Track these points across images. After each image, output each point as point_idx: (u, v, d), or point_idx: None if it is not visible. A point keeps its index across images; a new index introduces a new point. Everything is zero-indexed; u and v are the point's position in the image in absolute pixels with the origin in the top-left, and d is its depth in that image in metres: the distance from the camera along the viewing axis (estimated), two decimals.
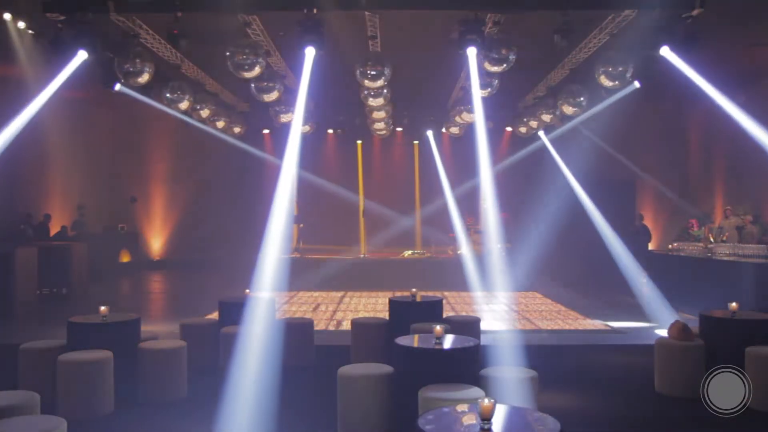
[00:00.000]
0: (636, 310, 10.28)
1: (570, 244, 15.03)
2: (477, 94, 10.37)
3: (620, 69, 9.56)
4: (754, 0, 9.24)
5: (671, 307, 9.74)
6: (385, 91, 11.21)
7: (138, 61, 9.24)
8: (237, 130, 15.13)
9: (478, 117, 10.88)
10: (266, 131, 17.11)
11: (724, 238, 11.81)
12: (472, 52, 8.60)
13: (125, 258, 16.62)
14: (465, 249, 15.64)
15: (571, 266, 14.59)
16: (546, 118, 13.72)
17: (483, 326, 7.49)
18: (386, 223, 16.42)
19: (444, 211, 16.23)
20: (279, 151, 17.27)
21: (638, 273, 11.98)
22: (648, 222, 15.86)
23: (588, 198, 15.22)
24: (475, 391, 4.21)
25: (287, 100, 12.67)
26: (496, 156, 17.22)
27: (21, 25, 9.46)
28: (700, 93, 10.08)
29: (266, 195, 17.29)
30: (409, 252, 15.91)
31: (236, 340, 6.51)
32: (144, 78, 9.40)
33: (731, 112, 10.03)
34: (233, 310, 7.08)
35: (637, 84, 10.90)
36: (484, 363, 5.09)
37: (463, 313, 9.99)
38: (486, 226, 15.91)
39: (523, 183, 16.15)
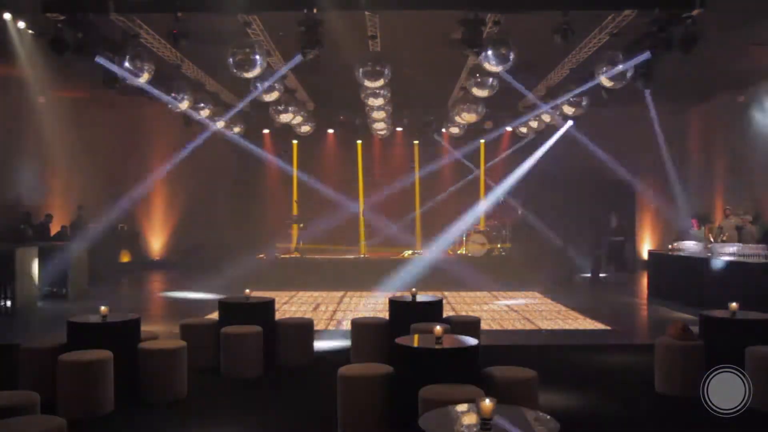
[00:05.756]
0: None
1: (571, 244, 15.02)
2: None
3: (620, 69, 9.55)
4: (754, 0, 9.23)
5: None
6: (385, 91, 11.21)
7: (138, 61, 9.24)
8: (237, 130, 15.12)
9: None
10: (266, 131, 17.10)
11: (724, 238, 11.79)
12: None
13: (125, 258, 16.60)
14: (464, 249, 15.65)
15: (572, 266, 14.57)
16: (546, 118, 13.72)
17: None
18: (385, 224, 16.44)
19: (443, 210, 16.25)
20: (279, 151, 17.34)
21: None
22: (648, 222, 15.86)
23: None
24: (475, 391, 4.20)
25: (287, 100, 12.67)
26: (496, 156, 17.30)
27: (21, 25, 9.47)
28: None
29: (266, 195, 17.37)
30: (409, 252, 15.89)
31: (236, 340, 6.51)
32: (144, 78, 9.39)
33: (731, 112, 10.07)
34: (233, 310, 7.09)
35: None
36: (484, 363, 5.08)
37: (463, 313, 9.99)
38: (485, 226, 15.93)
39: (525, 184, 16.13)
